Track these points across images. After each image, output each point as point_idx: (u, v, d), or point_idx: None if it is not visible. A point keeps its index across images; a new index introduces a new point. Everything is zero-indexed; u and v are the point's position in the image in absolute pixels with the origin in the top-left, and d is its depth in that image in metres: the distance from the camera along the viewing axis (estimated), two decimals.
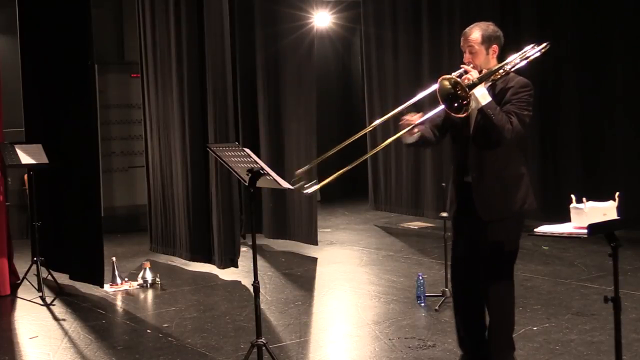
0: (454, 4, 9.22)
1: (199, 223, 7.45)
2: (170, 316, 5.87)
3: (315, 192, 4.48)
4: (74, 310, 6.13)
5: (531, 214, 4.09)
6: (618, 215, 3.41)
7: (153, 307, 6.26)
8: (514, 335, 4.18)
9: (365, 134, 4.63)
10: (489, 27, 4.03)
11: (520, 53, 4.01)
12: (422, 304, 5.84)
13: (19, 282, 6.86)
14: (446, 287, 5.73)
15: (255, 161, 4.23)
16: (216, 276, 7.18)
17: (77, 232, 6.83)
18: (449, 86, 3.77)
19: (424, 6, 9.60)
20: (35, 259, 6.60)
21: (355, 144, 4.31)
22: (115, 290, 6.71)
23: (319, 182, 4.28)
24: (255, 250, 4.47)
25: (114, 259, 6.96)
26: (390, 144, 4.50)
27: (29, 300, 6.44)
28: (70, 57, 6.81)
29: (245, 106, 9.02)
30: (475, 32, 4.00)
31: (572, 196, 3.55)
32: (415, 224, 9.79)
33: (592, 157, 8.54)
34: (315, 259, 7.87)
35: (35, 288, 6.57)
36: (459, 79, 3.77)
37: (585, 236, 3.08)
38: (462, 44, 4.05)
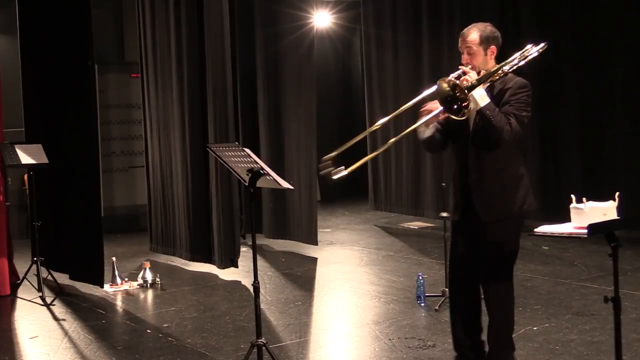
0: (454, 4, 9.21)
1: (199, 223, 7.45)
2: (170, 316, 5.87)
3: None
4: (74, 310, 6.13)
5: (531, 214, 4.08)
6: (618, 215, 3.41)
7: (153, 307, 6.26)
8: (514, 335, 4.17)
9: (366, 133, 4.57)
10: (486, 27, 4.01)
11: (518, 54, 3.99)
12: (422, 304, 5.85)
13: (19, 282, 6.86)
14: (446, 287, 5.72)
15: (255, 161, 4.22)
16: (216, 276, 7.18)
17: (77, 232, 6.83)
18: (448, 89, 3.73)
19: (424, 6, 9.60)
20: (35, 259, 6.60)
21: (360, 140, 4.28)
22: (115, 290, 6.71)
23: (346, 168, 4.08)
24: (255, 250, 4.47)
25: (114, 259, 6.96)
26: (390, 143, 4.46)
27: (29, 300, 6.44)
28: (70, 57, 6.81)
29: (245, 106, 9.01)
30: (473, 33, 3.98)
31: (572, 196, 3.55)
32: (415, 224, 9.79)
33: (592, 157, 8.54)
34: (315, 259, 7.87)
35: (35, 288, 6.57)
36: (457, 82, 3.75)
37: (585, 236, 3.08)
38: (460, 45, 4.03)
